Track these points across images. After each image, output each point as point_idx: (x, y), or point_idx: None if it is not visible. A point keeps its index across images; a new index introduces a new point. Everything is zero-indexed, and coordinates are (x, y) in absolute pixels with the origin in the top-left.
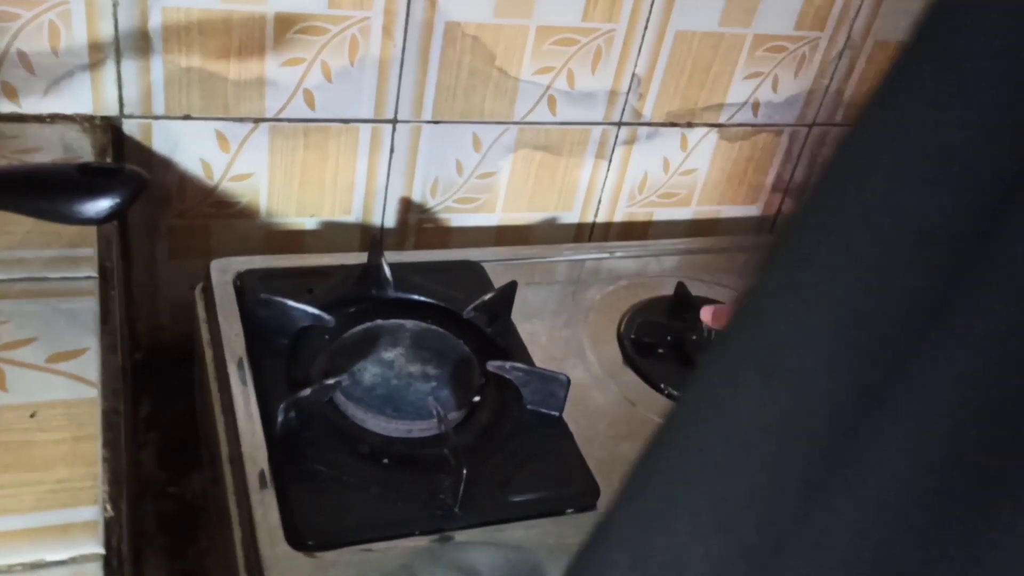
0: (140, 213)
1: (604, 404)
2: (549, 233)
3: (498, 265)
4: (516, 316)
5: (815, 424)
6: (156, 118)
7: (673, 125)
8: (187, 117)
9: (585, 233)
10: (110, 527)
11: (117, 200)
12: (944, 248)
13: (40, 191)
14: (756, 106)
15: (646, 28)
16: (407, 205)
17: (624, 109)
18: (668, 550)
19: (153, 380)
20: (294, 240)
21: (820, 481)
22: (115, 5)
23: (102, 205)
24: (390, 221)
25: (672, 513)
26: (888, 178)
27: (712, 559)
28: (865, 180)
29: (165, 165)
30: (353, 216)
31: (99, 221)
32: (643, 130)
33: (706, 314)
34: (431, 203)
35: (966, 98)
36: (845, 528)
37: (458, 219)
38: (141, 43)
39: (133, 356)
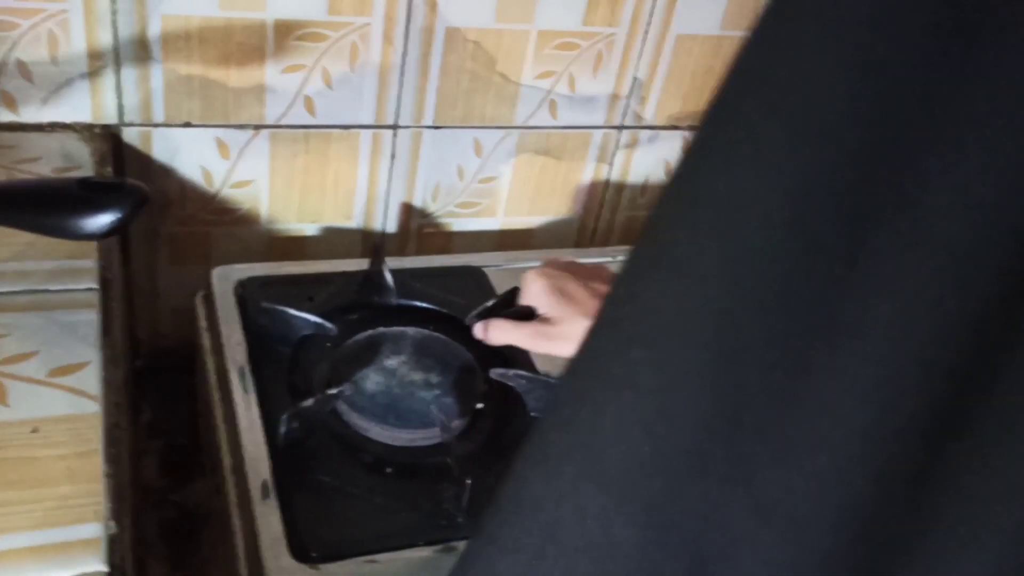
0: (141, 220)
1: None
2: (551, 237)
3: (500, 270)
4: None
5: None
6: (156, 126)
7: (675, 128)
8: (187, 124)
9: (587, 236)
10: (113, 544)
11: (118, 215)
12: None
13: (41, 207)
14: None
15: (647, 32)
16: (408, 211)
17: (625, 113)
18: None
19: (154, 387)
20: (295, 247)
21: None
22: (114, 13)
23: (103, 220)
24: (391, 227)
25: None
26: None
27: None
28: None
29: (165, 173)
30: (354, 222)
31: (100, 236)
32: (644, 134)
33: (480, 329)
34: (432, 208)
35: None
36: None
37: (460, 224)
38: (140, 51)
39: (134, 363)
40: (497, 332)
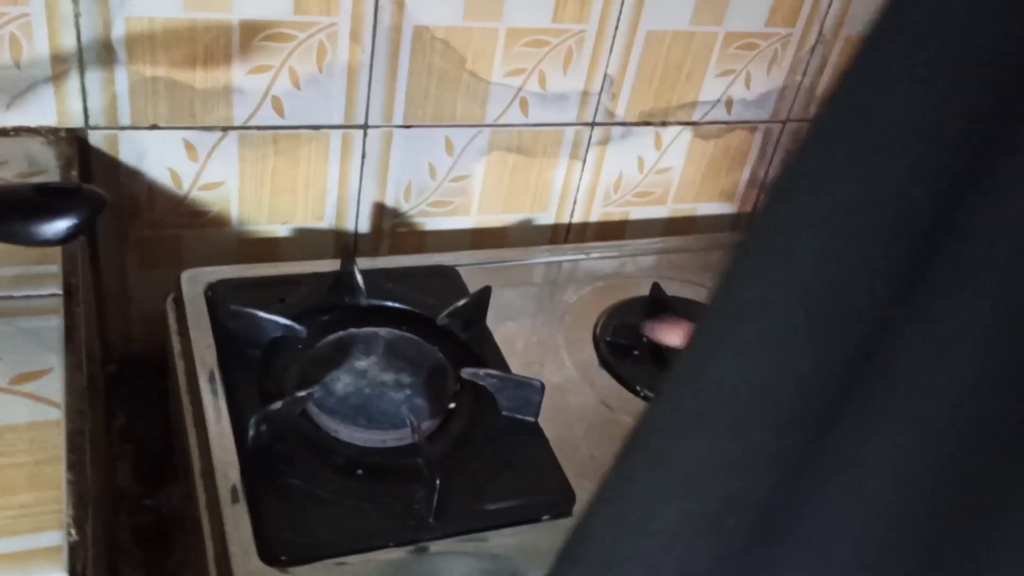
0: (109, 224)
1: (580, 408)
2: (525, 235)
3: (473, 269)
4: (492, 320)
5: (782, 400)
6: (122, 129)
7: (647, 124)
8: (154, 127)
9: (561, 234)
10: (75, 552)
11: (75, 221)
12: (912, 226)
13: None
14: (729, 103)
15: (616, 28)
16: (380, 210)
17: (597, 109)
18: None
19: (128, 392)
20: (267, 248)
21: (797, 465)
22: (76, 16)
23: (60, 226)
24: (364, 226)
25: (650, 493)
26: (851, 155)
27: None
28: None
29: (133, 176)
30: (326, 222)
31: (58, 242)
32: (617, 130)
33: (651, 329)
34: (405, 208)
35: (918, 82)
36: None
37: (433, 223)
38: (104, 54)
39: (106, 368)
40: (664, 332)
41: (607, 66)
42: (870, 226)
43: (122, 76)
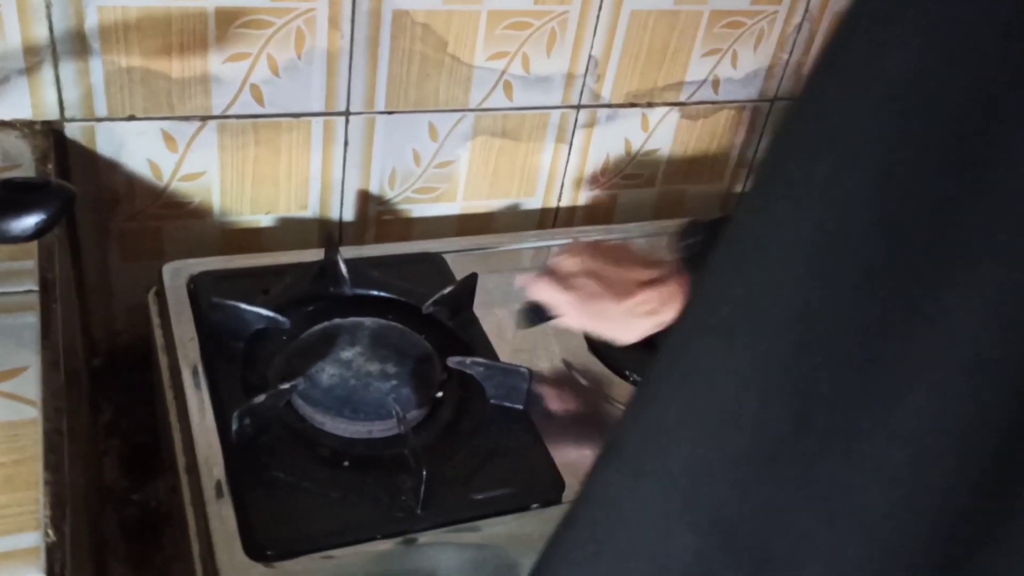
0: (88, 217)
1: (569, 394)
2: (513, 220)
3: (460, 255)
4: (481, 306)
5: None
6: (99, 120)
7: (633, 106)
8: (131, 118)
9: (549, 218)
10: (52, 553)
11: (44, 216)
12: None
13: None
14: (716, 83)
15: (600, 8)
16: (365, 198)
17: (582, 92)
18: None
19: (113, 386)
20: (251, 238)
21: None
22: (48, 7)
23: (28, 222)
24: (348, 214)
25: (649, 464)
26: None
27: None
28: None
29: (111, 168)
30: (310, 211)
31: (26, 239)
32: (603, 112)
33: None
34: (390, 195)
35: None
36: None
37: (418, 210)
38: (78, 44)
39: (91, 362)
40: (539, 289)
41: (591, 47)
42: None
43: (97, 67)
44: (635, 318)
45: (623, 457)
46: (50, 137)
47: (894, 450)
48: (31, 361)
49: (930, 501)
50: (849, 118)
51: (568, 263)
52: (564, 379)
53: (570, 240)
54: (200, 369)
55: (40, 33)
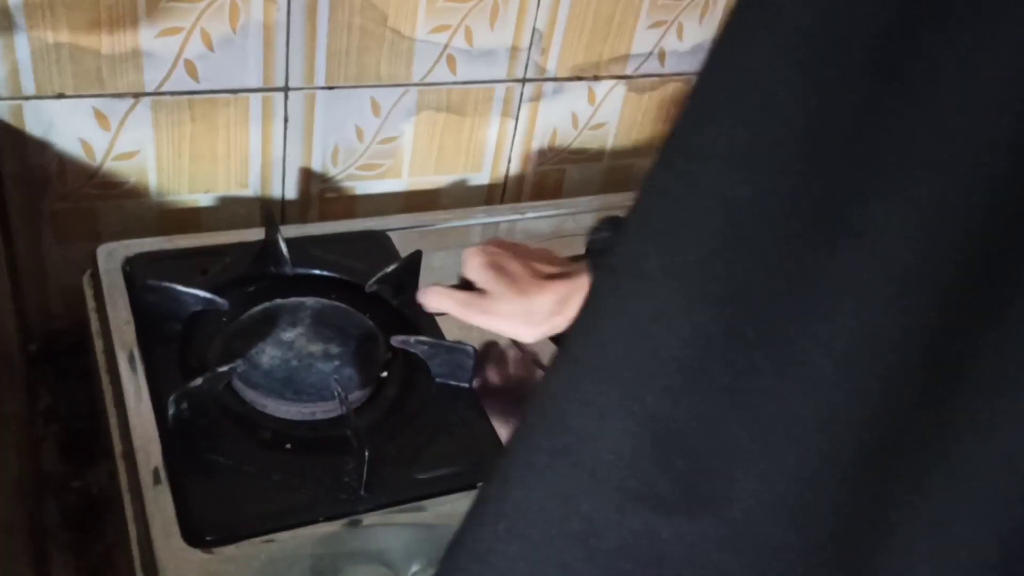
0: (19, 198)
1: (516, 371)
2: (460, 196)
3: (406, 233)
4: (427, 284)
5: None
6: (27, 98)
7: (579, 79)
8: (60, 96)
9: (497, 194)
10: None
11: None
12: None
13: None
14: (662, 55)
15: None
16: (307, 175)
17: (527, 65)
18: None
19: (50, 370)
20: (190, 218)
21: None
22: None
23: None
24: (291, 192)
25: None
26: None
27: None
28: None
29: (41, 147)
30: (251, 190)
31: None
32: (548, 86)
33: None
34: (333, 172)
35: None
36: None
37: (363, 187)
38: (2, 20)
39: (27, 347)
40: (432, 298)
41: (535, 20)
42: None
43: (23, 43)
44: (536, 315)
45: (565, 359)
46: None
47: (824, 360)
48: None
49: (861, 412)
50: (758, 54)
51: (474, 259)
52: (510, 356)
53: (517, 216)
54: (136, 353)
55: None
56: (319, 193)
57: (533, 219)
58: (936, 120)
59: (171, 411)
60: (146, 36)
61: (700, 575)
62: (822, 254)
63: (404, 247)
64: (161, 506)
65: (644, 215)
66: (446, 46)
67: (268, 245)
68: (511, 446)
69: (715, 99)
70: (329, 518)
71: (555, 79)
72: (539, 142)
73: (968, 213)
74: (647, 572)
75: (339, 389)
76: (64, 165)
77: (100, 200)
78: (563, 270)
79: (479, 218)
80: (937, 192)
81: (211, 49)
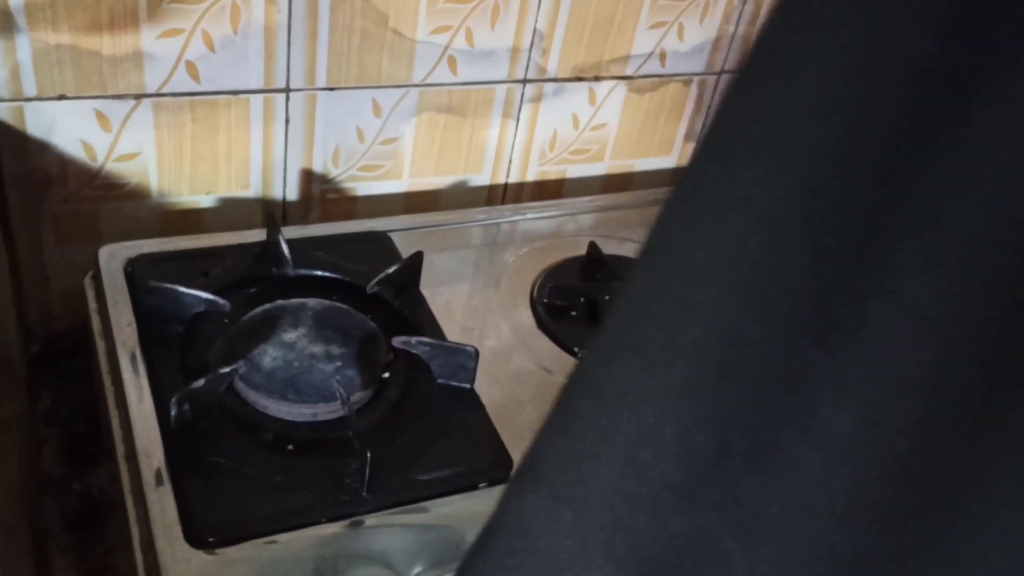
0: (20, 200)
1: (517, 372)
2: (460, 197)
3: (407, 234)
4: (429, 285)
5: (735, 362)
6: (28, 100)
7: (579, 80)
8: (62, 97)
9: (498, 195)
10: None
11: None
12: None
13: None
14: (663, 56)
15: None
16: (308, 176)
17: (528, 66)
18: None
19: (52, 373)
20: (192, 219)
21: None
22: None
23: None
24: (292, 193)
25: (594, 460)
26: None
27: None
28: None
29: (42, 149)
30: (252, 191)
31: None
32: (549, 86)
33: None
34: (334, 173)
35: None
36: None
37: (364, 188)
38: (3, 21)
39: (28, 349)
40: None
41: (536, 20)
42: (812, 187)
43: (24, 44)
44: None
45: (540, 483)
46: None
47: (814, 463)
48: None
49: (852, 512)
50: (773, 128)
51: None
52: (512, 356)
53: (518, 217)
54: (138, 354)
55: None
56: (320, 194)
57: (534, 220)
58: (937, 218)
59: (173, 412)
60: (147, 37)
61: None
62: (816, 357)
63: (405, 248)
64: (163, 507)
65: (627, 332)
66: (447, 47)
67: (269, 246)
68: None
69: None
70: (331, 519)
71: (556, 80)
72: (540, 143)
73: (968, 317)
74: None
75: (341, 390)
76: (65, 167)
77: (101, 202)
78: None
79: (480, 219)
80: (938, 290)
81: (212, 50)
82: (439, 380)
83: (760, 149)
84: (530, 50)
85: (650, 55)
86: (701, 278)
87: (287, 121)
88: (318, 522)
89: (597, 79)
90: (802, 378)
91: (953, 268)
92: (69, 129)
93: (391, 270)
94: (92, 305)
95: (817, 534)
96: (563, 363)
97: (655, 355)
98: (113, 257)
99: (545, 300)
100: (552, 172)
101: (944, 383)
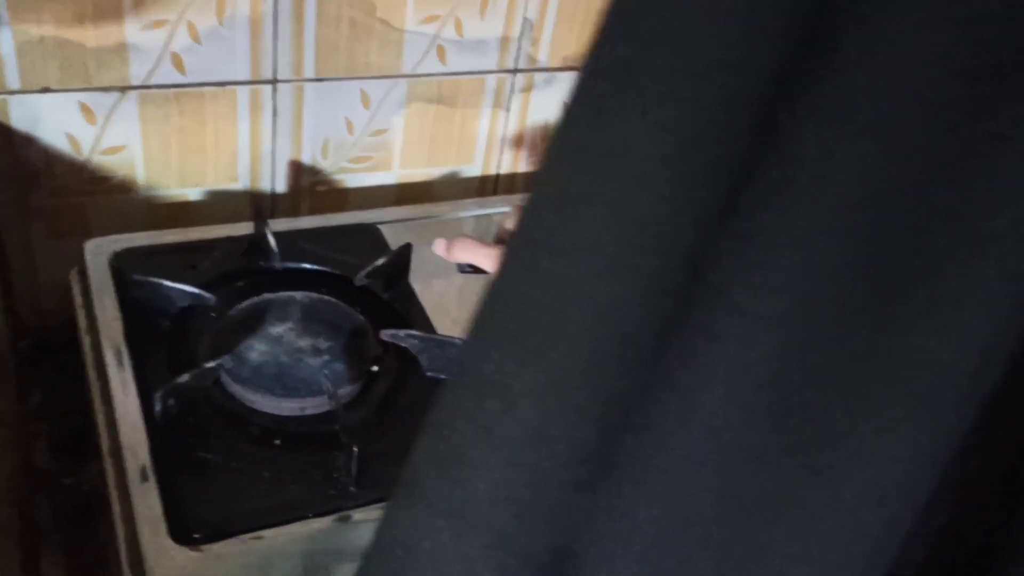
0: (8, 194)
1: None
2: (451, 188)
3: (397, 226)
4: (420, 278)
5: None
6: (12, 93)
7: (571, 69)
8: (46, 90)
9: (489, 186)
10: None
11: None
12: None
13: None
14: None
15: None
16: (297, 168)
17: (518, 55)
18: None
19: (43, 367)
20: (180, 212)
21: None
22: None
23: None
24: (281, 186)
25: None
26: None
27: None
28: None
29: (27, 142)
30: (240, 183)
31: None
32: (540, 76)
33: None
34: (323, 165)
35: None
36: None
37: (354, 180)
38: None
39: (18, 344)
40: (460, 249)
41: (526, 9)
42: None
43: (6, 37)
44: None
45: (421, 495)
46: None
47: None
48: None
49: (714, 511)
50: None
51: (464, 240)
52: None
53: (510, 208)
54: (123, 349)
55: None
56: (309, 186)
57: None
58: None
59: (158, 407)
60: (132, 29)
61: None
62: (692, 342)
63: (395, 240)
64: (148, 503)
65: (501, 322)
66: (436, 37)
67: (257, 239)
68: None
69: (576, 197)
70: (319, 514)
71: (547, 69)
72: (531, 133)
73: (829, 268)
74: None
75: (329, 384)
76: (51, 160)
77: (89, 195)
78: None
79: (471, 210)
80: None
81: (198, 42)
82: (428, 373)
83: (635, 111)
84: (520, 39)
85: None
86: (572, 254)
87: (275, 113)
88: (305, 517)
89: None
90: (675, 343)
91: (816, 229)
92: (54, 122)
93: (379, 262)
94: (78, 300)
95: (701, 485)
96: None
97: (528, 341)
98: (99, 251)
99: None
100: None
101: (804, 331)
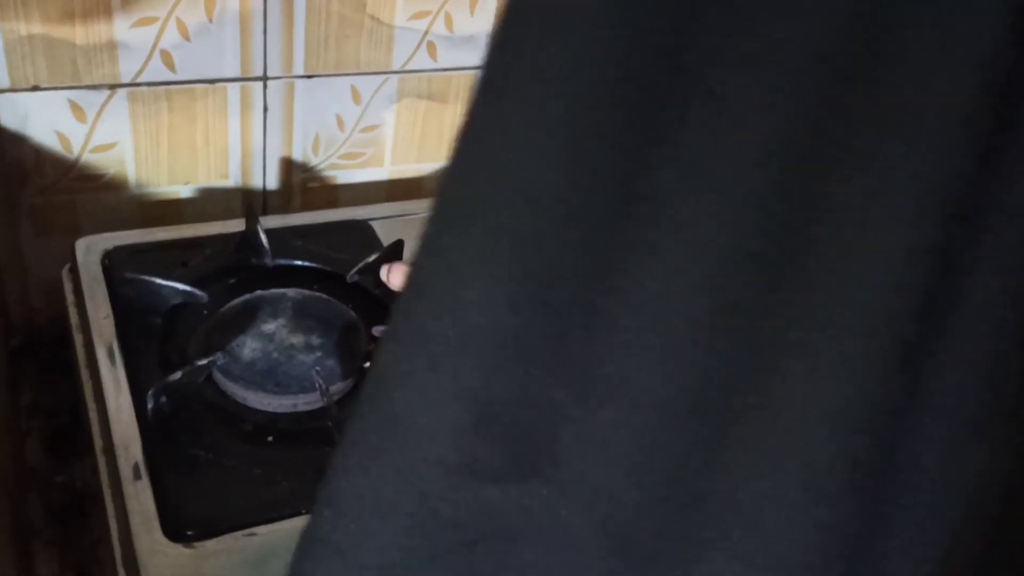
0: None
1: None
2: None
3: (389, 222)
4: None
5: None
6: (1, 91)
7: None
8: (35, 88)
9: None
10: None
11: None
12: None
13: None
14: None
15: None
16: (288, 165)
17: None
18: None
19: (34, 365)
20: (171, 210)
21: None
22: None
23: None
24: (272, 183)
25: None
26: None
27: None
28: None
29: (17, 141)
30: (231, 180)
31: None
32: None
33: (384, 272)
34: (314, 161)
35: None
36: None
37: (345, 176)
38: None
39: (9, 342)
40: (398, 276)
41: None
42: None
43: None
44: None
45: (390, 341)
46: None
47: (627, 317)
48: None
49: (676, 366)
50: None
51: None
52: None
53: None
54: (115, 347)
55: None
56: (301, 183)
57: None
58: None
59: (150, 405)
60: (121, 26)
61: (536, 533)
62: (627, 228)
63: (387, 236)
64: (141, 501)
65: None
66: (426, 32)
67: (248, 236)
68: (347, 430)
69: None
70: (311, 511)
71: None
72: None
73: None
74: (487, 539)
75: (320, 381)
76: (41, 158)
77: (79, 193)
78: None
79: None
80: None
81: (187, 39)
82: None
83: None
84: None
85: None
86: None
87: (265, 109)
88: (298, 514)
89: None
90: (610, 242)
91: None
92: (44, 120)
93: (371, 259)
94: (69, 297)
95: (646, 384)
96: None
97: (464, 224)
98: (90, 249)
99: None
100: None
101: (732, 249)
